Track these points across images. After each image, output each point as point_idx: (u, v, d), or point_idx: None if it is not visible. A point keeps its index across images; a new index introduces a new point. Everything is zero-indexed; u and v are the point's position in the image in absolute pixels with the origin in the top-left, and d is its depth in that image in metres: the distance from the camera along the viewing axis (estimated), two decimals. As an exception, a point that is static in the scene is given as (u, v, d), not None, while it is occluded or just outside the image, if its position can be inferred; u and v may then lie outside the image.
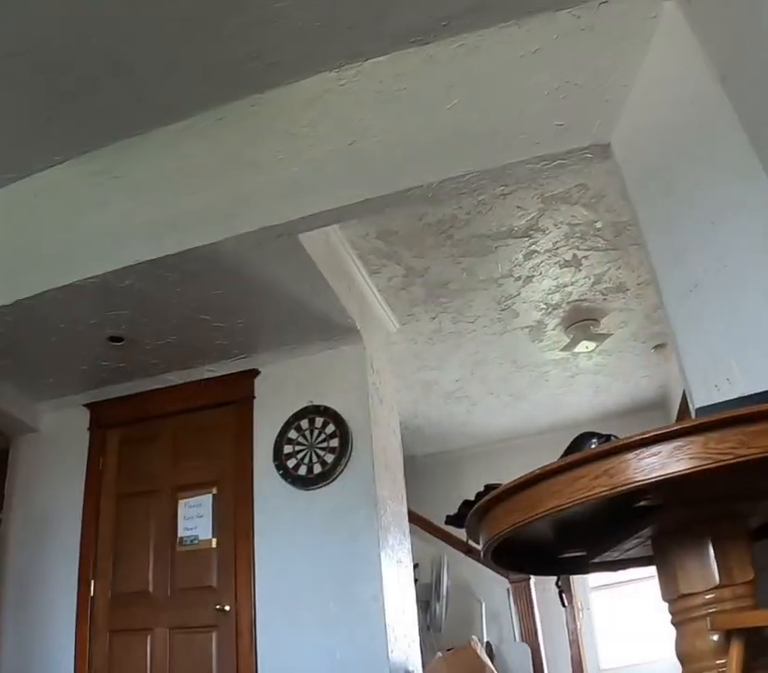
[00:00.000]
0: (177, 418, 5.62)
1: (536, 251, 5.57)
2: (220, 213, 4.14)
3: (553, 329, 6.73)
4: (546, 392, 8.14)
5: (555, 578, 2.81)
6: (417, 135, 3.83)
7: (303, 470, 5.09)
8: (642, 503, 1.68)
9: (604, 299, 6.31)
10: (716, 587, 1.72)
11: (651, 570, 1.98)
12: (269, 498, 5.08)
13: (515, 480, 1.71)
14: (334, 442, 5.08)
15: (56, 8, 3.47)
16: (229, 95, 4.16)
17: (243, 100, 4.18)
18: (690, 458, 1.44)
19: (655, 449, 1.48)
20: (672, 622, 1.83)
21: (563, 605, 7.51)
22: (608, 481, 1.52)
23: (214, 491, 5.27)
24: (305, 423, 5.22)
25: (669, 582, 1.82)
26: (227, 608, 4.89)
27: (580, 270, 5.86)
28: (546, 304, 6.31)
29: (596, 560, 2.15)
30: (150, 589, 5.17)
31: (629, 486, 1.50)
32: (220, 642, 4.86)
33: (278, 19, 3.65)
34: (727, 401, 1.90)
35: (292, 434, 5.23)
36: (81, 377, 5.60)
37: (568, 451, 1.83)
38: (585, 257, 5.69)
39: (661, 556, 1.88)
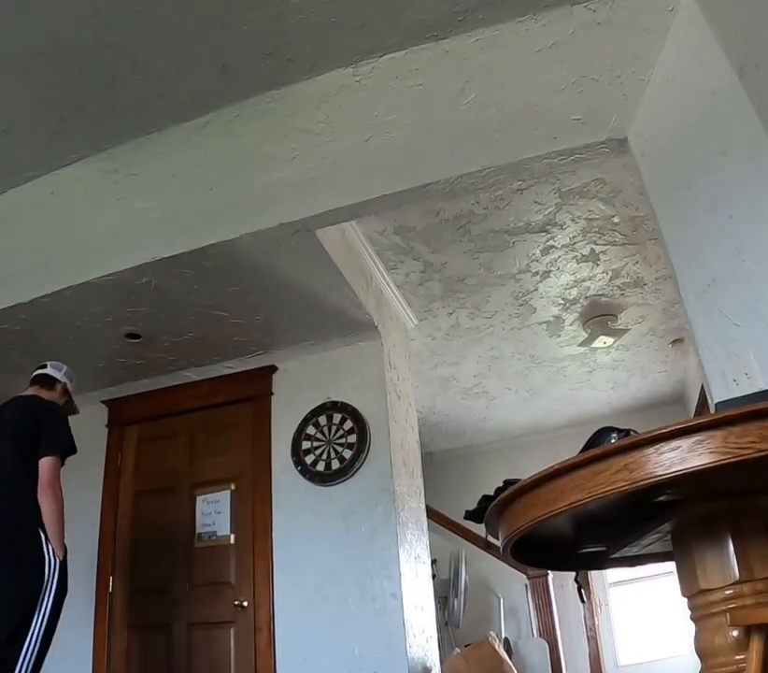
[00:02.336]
0: (195, 414, 5.64)
1: (554, 246, 5.56)
2: (237, 210, 4.15)
3: (571, 324, 6.71)
4: (564, 387, 8.13)
5: (574, 573, 2.81)
6: (433, 130, 3.83)
7: (321, 466, 5.09)
8: (662, 498, 1.67)
9: (622, 294, 6.29)
10: (735, 582, 1.71)
11: (671, 566, 1.97)
12: (287, 494, 5.09)
13: (534, 475, 1.71)
14: (352, 438, 5.08)
15: (74, 7, 3.49)
16: (245, 92, 4.17)
17: (259, 96, 4.19)
18: (711, 452, 1.43)
19: (675, 443, 1.47)
20: (691, 618, 1.82)
21: (582, 600, 7.54)
22: (628, 476, 1.51)
23: (232, 487, 5.28)
24: (322, 420, 5.23)
25: (688, 578, 1.81)
26: (245, 603, 4.90)
27: (598, 265, 5.84)
28: (563, 299, 6.29)
29: (616, 555, 2.14)
30: (169, 585, 5.19)
31: (649, 481, 1.49)
32: (238, 638, 4.87)
33: (294, 15, 3.66)
34: (746, 395, 1.89)
35: (310, 430, 5.24)
36: (99, 374, 5.61)
37: (587, 446, 1.83)
38: (602, 252, 5.68)
39: (680, 551, 1.87)
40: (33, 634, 3.47)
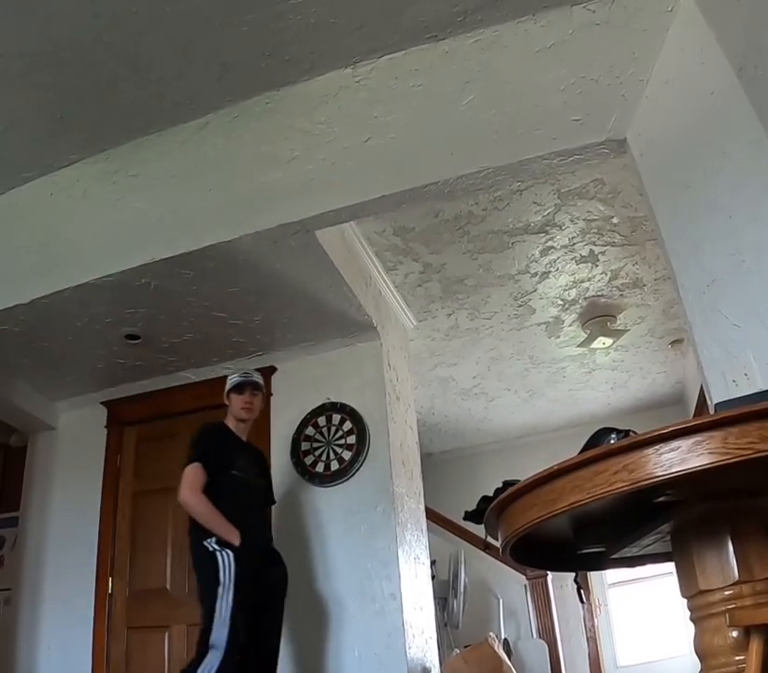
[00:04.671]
0: (194, 415, 5.61)
1: (553, 247, 5.57)
2: (236, 210, 4.15)
3: (570, 325, 6.72)
4: (563, 388, 8.13)
5: (573, 574, 2.81)
6: (433, 131, 3.83)
7: (320, 467, 5.09)
8: (661, 498, 1.67)
9: (621, 295, 6.30)
10: (735, 583, 1.71)
11: (670, 566, 1.97)
12: (286, 495, 5.09)
13: (534, 476, 1.71)
14: (352, 439, 5.08)
15: (74, 8, 3.49)
16: (244, 93, 4.17)
17: (258, 97, 4.19)
18: (710, 453, 1.43)
19: (675, 444, 1.47)
20: (691, 619, 1.82)
21: (582, 601, 7.53)
22: (628, 477, 1.51)
23: (232, 487, 5.27)
24: (322, 420, 5.23)
25: (688, 578, 1.81)
26: (245, 604, 4.89)
27: (597, 266, 5.85)
28: (562, 300, 6.30)
29: (615, 556, 2.14)
30: (168, 586, 5.19)
31: (648, 481, 1.49)
32: (238, 639, 4.86)
33: (293, 15, 3.66)
34: (746, 396, 1.89)
35: (310, 431, 5.24)
36: (98, 375, 5.61)
37: (587, 447, 1.83)
38: (601, 253, 5.68)
39: (679, 552, 1.87)
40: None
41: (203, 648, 3.67)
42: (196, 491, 4.03)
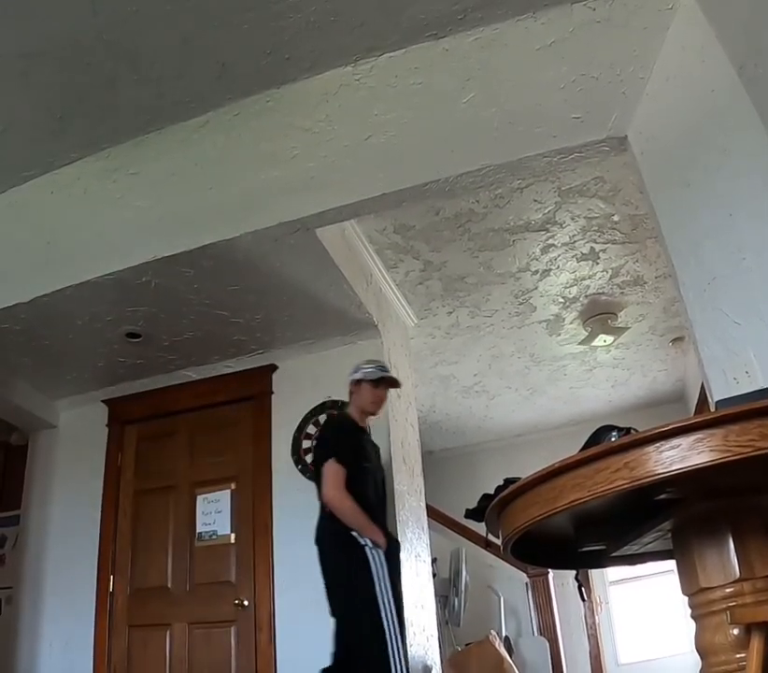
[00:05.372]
0: (195, 414, 5.63)
1: (553, 245, 5.57)
2: (236, 209, 4.15)
3: (571, 323, 6.72)
4: (564, 385, 8.13)
5: (574, 572, 2.81)
6: (433, 129, 3.83)
7: (321, 465, 5.09)
8: (662, 496, 1.67)
9: (622, 292, 6.30)
10: (736, 580, 1.71)
11: (671, 564, 1.97)
12: (288, 493, 5.09)
13: (535, 474, 1.70)
14: (353, 437, 5.07)
15: (74, 7, 3.49)
16: (244, 91, 4.17)
17: (258, 95, 4.18)
18: (711, 450, 1.43)
19: (675, 441, 1.47)
20: (691, 616, 1.82)
21: (583, 599, 7.53)
22: (629, 474, 1.51)
23: (232, 486, 5.28)
24: (323, 418, 5.22)
25: (689, 576, 1.81)
26: (246, 602, 4.90)
27: (598, 264, 5.84)
28: (563, 297, 6.30)
29: (616, 554, 2.14)
30: (169, 584, 5.19)
31: (649, 479, 1.49)
32: (238, 637, 4.87)
33: (293, 14, 3.66)
34: (747, 393, 1.89)
35: (311, 429, 5.23)
36: (99, 373, 5.61)
37: (587, 445, 1.83)
38: (602, 250, 5.68)
39: (680, 549, 1.87)
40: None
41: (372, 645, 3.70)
42: (341, 488, 3.96)
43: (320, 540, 4.03)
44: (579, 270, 5.92)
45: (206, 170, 4.27)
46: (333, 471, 3.98)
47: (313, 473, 4.10)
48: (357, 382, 4.36)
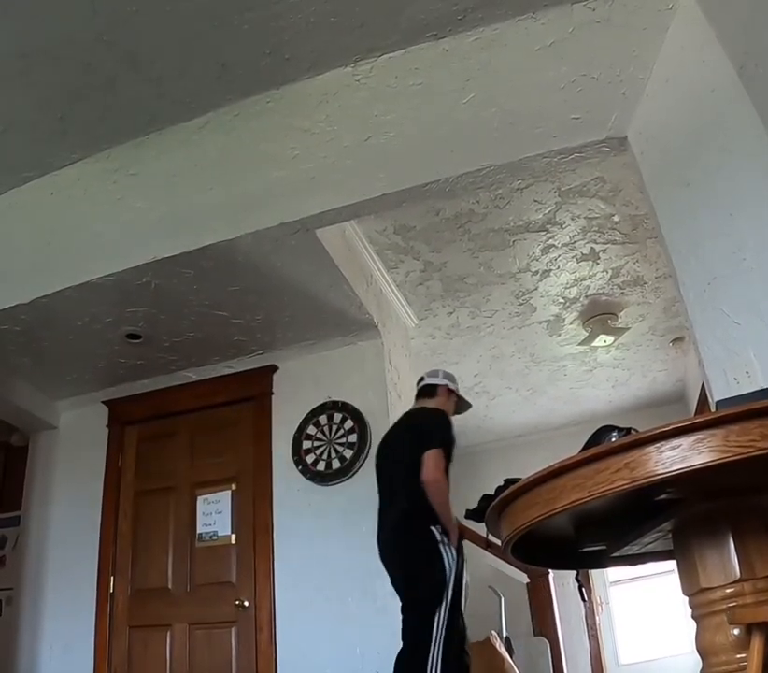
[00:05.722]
0: (195, 414, 5.63)
1: (554, 245, 5.56)
2: (236, 209, 4.15)
3: (571, 323, 6.71)
4: (564, 386, 8.13)
5: (574, 572, 2.81)
6: (433, 129, 3.83)
7: (321, 466, 5.09)
8: (662, 496, 1.67)
9: (622, 293, 6.29)
10: (736, 581, 1.70)
11: (671, 564, 1.97)
12: (288, 494, 5.09)
13: (535, 474, 1.70)
14: (353, 438, 5.08)
15: (74, 7, 3.49)
16: (245, 91, 4.17)
17: (259, 96, 4.19)
18: (711, 451, 1.43)
19: (676, 442, 1.47)
20: (692, 617, 1.82)
21: (583, 599, 7.53)
22: (629, 475, 1.51)
23: (233, 487, 5.28)
24: (323, 419, 5.23)
25: (689, 576, 1.81)
26: (246, 603, 4.90)
27: (598, 264, 5.84)
28: (563, 298, 6.29)
29: (616, 554, 2.14)
30: (170, 585, 5.20)
31: (649, 479, 1.49)
32: (239, 638, 4.87)
33: (293, 14, 3.66)
34: (747, 393, 1.89)
35: (311, 429, 5.23)
36: (99, 374, 5.61)
37: (588, 445, 1.83)
38: (602, 251, 5.67)
39: (681, 550, 1.87)
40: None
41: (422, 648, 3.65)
42: (443, 472, 3.97)
43: (396, 530, 3.99)
44: (579, 270, 5.91)
45: (207, 171, 4.27)
46: (436, 456, 3.97)
47: (402, 454, 4.10)
48: (451, 392, 4.47)
